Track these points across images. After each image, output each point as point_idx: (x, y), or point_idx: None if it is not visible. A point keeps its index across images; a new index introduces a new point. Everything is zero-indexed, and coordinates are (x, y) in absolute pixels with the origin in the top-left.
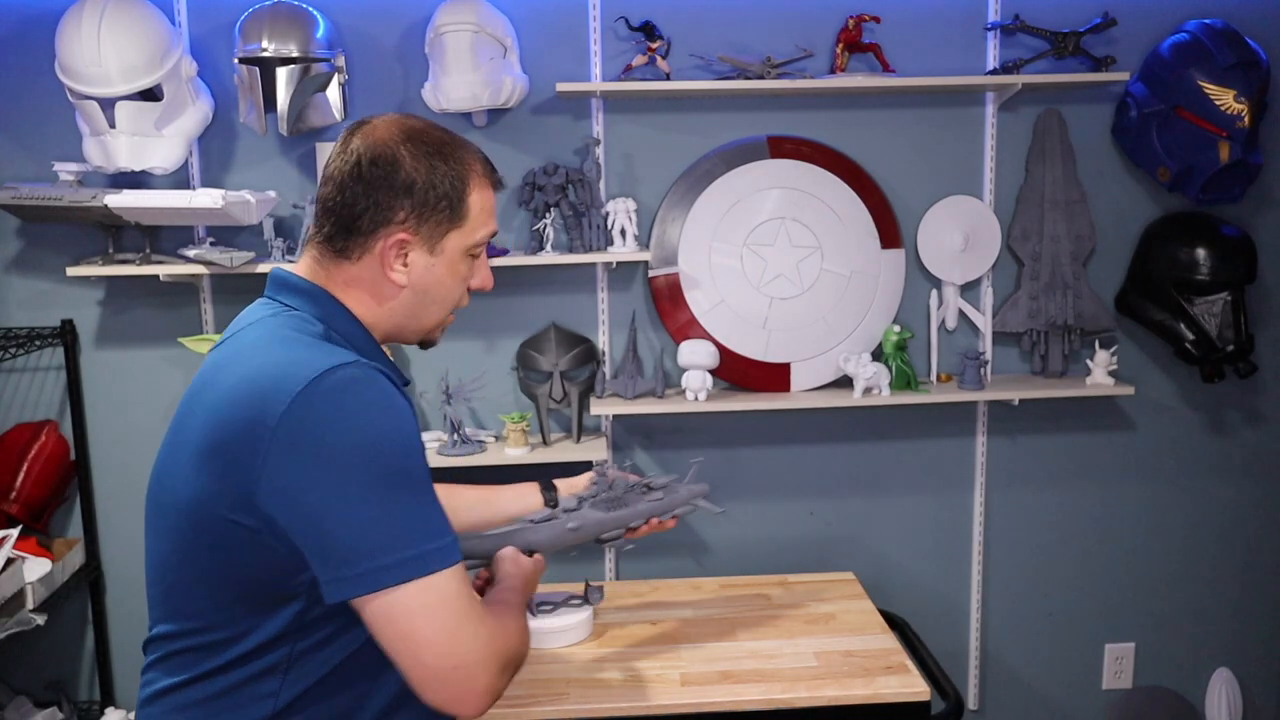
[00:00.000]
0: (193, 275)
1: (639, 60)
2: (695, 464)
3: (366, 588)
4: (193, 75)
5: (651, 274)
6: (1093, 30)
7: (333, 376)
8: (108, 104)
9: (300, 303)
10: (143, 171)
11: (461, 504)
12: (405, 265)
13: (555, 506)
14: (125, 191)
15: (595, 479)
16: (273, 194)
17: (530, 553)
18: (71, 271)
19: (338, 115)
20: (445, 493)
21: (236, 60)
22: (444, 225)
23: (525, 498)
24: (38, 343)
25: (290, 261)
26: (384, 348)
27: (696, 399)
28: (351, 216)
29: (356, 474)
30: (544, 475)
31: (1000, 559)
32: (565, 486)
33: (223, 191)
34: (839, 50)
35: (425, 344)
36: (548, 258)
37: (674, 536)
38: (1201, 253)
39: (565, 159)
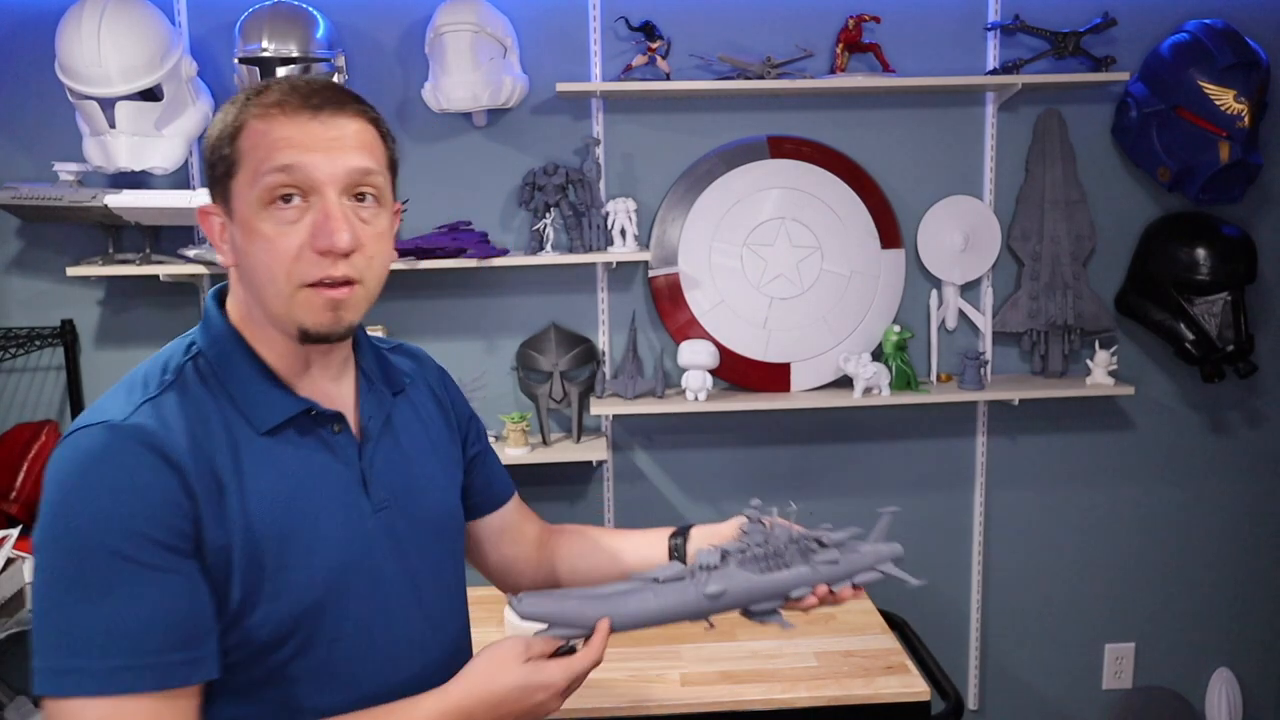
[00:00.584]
0: (193, 275)
1: (639, 60)
2: (887, 514)
3: (34, 687)
4: (193, 75)
5: (651, 274)
6: (1093, 30)
7: (69, 440)
8: (108, 104)
9: (199, 323)
10: (143, 171)
11: (577, 550)
12: (227, 244)
13: (684, 560)
14: (125, 191)
15: (746, 528)
16: None
17: (565, 651)
18: (71, 271)
19: None
20: (569, 536)
21: (236, 60)
22: (226, 179)
23: (652, 546)
24: (38, 343)
25: None
26: (379, 354)
27: (696, 399)
28: None
29: (40, 557)
30: (553, 476)
31: (1000, 559)
32: (704, 535)
33: None
34: (839, 50)
35: (307, 336)
36: (548, 258)
37: None
38: (1201, 253)
39: (565, 159)
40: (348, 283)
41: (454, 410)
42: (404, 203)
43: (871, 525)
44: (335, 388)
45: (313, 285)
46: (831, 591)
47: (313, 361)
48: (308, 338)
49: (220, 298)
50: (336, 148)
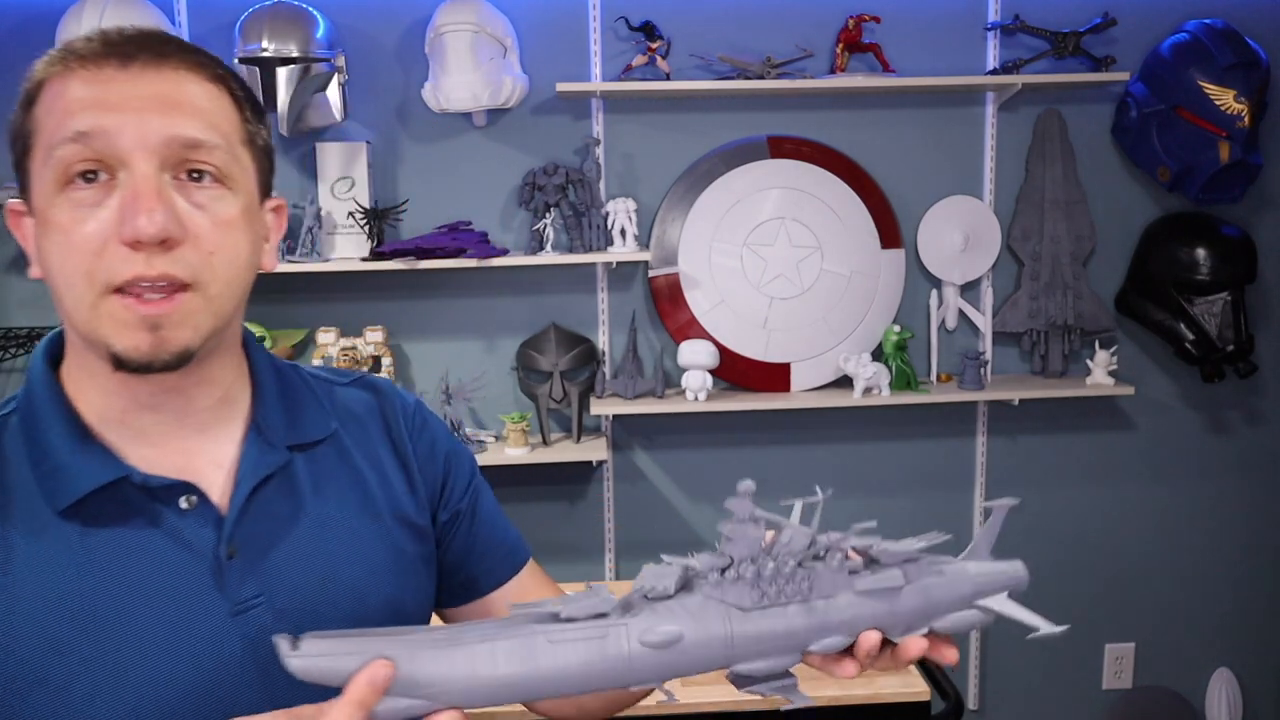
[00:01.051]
0: None
1: (639, 60)
2: (1001, 507)
3: None
4: None
5: (651, 274)
6: (1093, 30)
7: None
8: None
9: None
10: None
11: None
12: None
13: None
14: None
15: (730, 533)
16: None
17: None
18: None
19: (338, 115)
20: None
21: (236, 60)
22: (24, 161)
23: None
24: (38, 343)
25: (290, 261)
26: (289, 392)
27: (696, 399)
28: None
29: None
30: (553, 476)
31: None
32: None
33: None
34: (839, 50)
35: (121, 364)
36: (548, 258)
37: (671, 535)
38: (1201, 253)
39: (565, 159)
40: (174, 287)
41: (420, 458)
42: (403, 202)
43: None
44: (201, 445)
45: (122, 291)
46: (889, 643)
47: (159, 408)
48: (122, 365)
49: (60, 342)
50: (152, 108)
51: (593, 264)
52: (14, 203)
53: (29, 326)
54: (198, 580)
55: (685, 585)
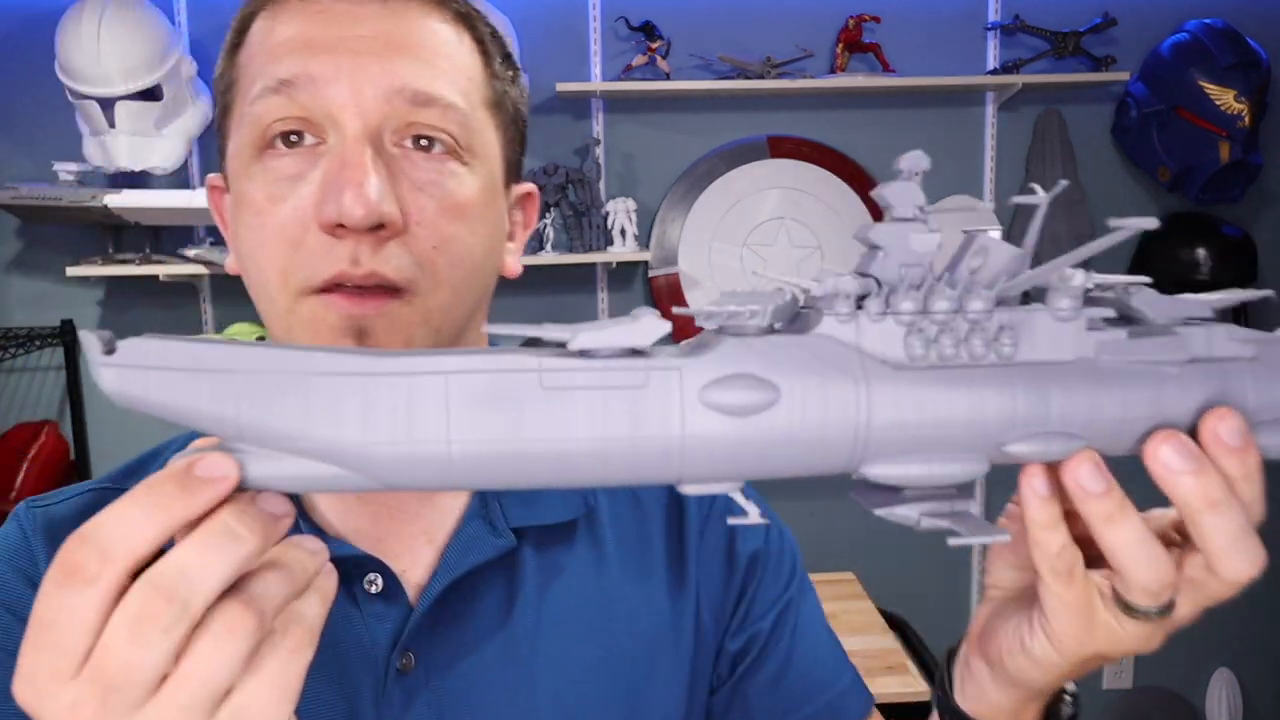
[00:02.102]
0: (193, 275)
1: (639, 60)
2: None
3: None
4: (192, 75)
5: (651, 274)
6: (1093, 30)
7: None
8: (108, 104)
9: None
10: (143, 171)
11: None
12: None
13: (949, 707)
14: (125, 191)
15: (876, 240)
16: None
17: None
18: (71, 271)
19: None
20: None
21: None
22: (225, 121)
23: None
24: (38, 343)
25: None
26: None
27: None
28: None
29: None
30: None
31: None
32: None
33: None
34: (839, 50)
35: None
36: (548, 258)
37: None
38: (1201, 253)
39: (565, 159)
40: (385, 290)
41: (704, 558)
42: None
43: None
44: (420, 509)
45: (324, 292)
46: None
47: None
48: None
49: None
50: (374, 50)
51: (593, 264)
52: (214, 177)
53: (29, 326)
54: (353, 693)
55: (791, 321)
